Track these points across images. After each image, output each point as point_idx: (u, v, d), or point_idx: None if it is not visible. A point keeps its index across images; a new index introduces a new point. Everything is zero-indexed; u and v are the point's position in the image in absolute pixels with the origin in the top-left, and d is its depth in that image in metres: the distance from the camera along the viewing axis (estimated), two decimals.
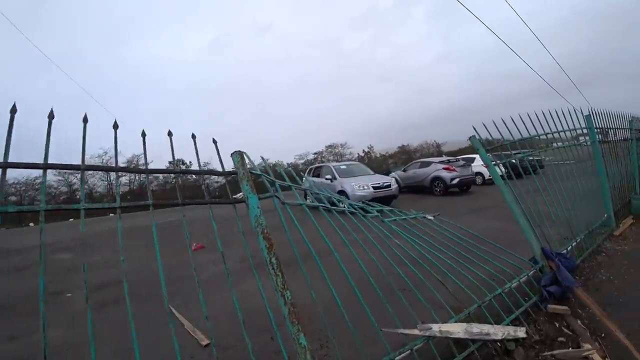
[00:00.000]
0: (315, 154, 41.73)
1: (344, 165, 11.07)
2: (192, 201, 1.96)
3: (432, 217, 3.49)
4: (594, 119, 4.64)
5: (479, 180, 12.86)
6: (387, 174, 14.93)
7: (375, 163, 42.07)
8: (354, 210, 2.77)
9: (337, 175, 10.03)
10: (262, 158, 2.95)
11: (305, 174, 12.73)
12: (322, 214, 2.41)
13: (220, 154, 1.93)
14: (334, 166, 10.65)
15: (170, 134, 1.78)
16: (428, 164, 12.47)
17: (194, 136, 1.93)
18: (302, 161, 40.16)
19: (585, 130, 4.57)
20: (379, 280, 2.24)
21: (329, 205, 2.51)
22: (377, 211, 3.27)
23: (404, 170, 13.97)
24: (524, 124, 3.65)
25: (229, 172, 1.95)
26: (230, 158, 1.91)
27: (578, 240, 3.63)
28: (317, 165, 12.51)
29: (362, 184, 9.16)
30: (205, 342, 2.83)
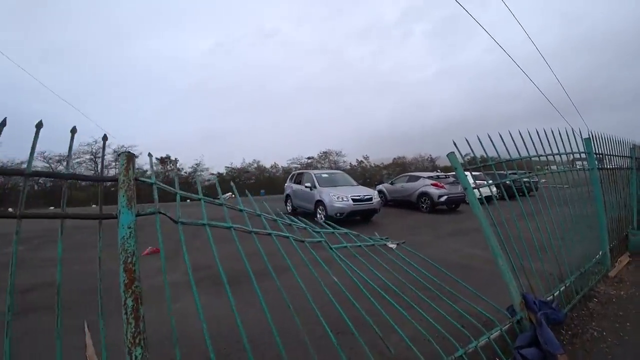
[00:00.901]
0: (309, 158, 41.18)
1: (326, 173, 10.47)
2: (31, 213, 1.38)
3: (394, 245, 2.90)
4: (594, 143, 4.09)
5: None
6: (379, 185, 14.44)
7: (370, 173, 41.69)
8: (285, 235, 2.16)
9: (316, 184, 9.43)
10: (176, 160, 2.31)
11: (288, 180, 12.15)
12: (233, 237, 1.83)
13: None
14: (315, 174, 10.04)
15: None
16: (416, 178, 11.88)
17: (73, 130, 1.39)
18: (295, 165, 39.63)
19: (583, 155, 4.03)
20: (288, 326, 1.65)
21: (248, 228, 1.92)
22: (327, 234, 2.70)
23: (392, 183, 13.36)
24: (514, 143, 3.11)
25: (109, 178, 1.44)
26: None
27: (567, 284, 3.05)
28: (299, 171, 11.94)
29: (341, 195, 8.55)
30: None
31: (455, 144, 2.86)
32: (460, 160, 2.80)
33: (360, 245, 2.67)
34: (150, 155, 1.82)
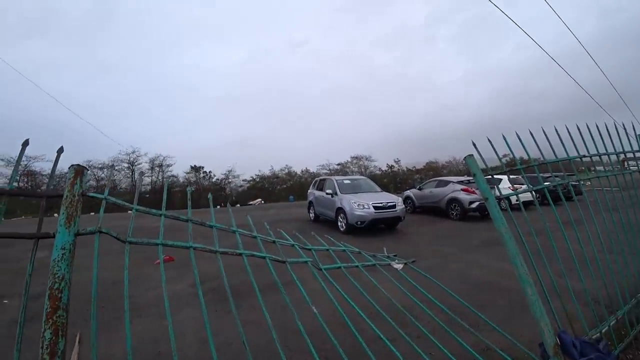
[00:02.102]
0: (338, 164, 40.92)
1: (348, 180, 10.04)
2: None
3: (400, 266, 2.48)
4: None
5: (504, 205, 11.36)
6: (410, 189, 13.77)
7: (401, 177, 40.73)
8: (261, 256, 1.83)
9: (338, 191, 9.04)
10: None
11: (311, 187, 11.83)
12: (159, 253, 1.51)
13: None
14: (336, 180, 9.64)
15: (59, 151, 1.30)
16: (445, 183, 11.12)
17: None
18: (324, 171, 39.50)
19: (637, 154, 3.39)
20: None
21: (214, 248, 1.65)
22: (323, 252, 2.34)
23: (420, 189, 12.66)
24: (549, 142, 2.61)
25: (52, 193, 1.29)
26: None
27: (619, 316, 2.47)
28: (321, 177, 11.59)
29: (361, 203, 8.10)
30: None
31: (474, 145, 2.44)
32: (482, 164, 2.36)
33: (357, 266, 2.28)
34: (112, 166, 1.66)
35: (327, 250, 2.40)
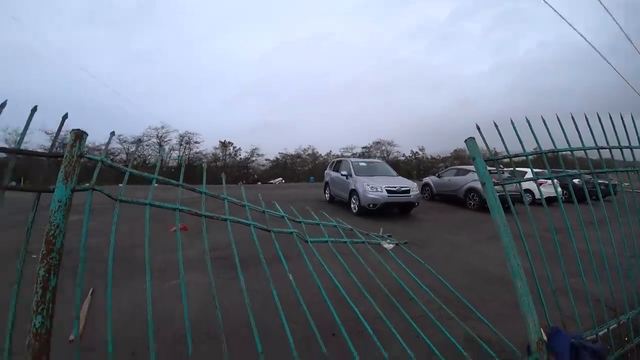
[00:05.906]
0: (363, 148, 40.72)
1: (364, 162, 9.94)
2: None
3: (390, 246, 2.44)
4: None
5: (528, 198, 10.90)
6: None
7: (425, 165, 40.08)
8: (246, 223, 1.86)
9: (352, 173, 8.96)
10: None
11: (327, 167, 11.80)
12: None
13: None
14: (352, 162, 9.56)
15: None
16: (465, 172, 10.76)
17: (34, 109, 1.39)
18: (347, 154, 39.50)
19: None
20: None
21: (199, 211, 1.71)
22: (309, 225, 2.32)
23: (439, 177, 12.37)
24: (563, 131, 2.44)
25: (55, 154, 1.42)
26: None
27: (622, 320, 2.33)
28: (338, 159, 11.50)
29: (375, 186, 8.01)
30: (71, 337, 2.32)
31: (478, 128, 2.31)
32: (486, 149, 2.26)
33: (345, 242, 2.25)
34: (112, 133, 1.72)
35: (318, 224, 2.38)
